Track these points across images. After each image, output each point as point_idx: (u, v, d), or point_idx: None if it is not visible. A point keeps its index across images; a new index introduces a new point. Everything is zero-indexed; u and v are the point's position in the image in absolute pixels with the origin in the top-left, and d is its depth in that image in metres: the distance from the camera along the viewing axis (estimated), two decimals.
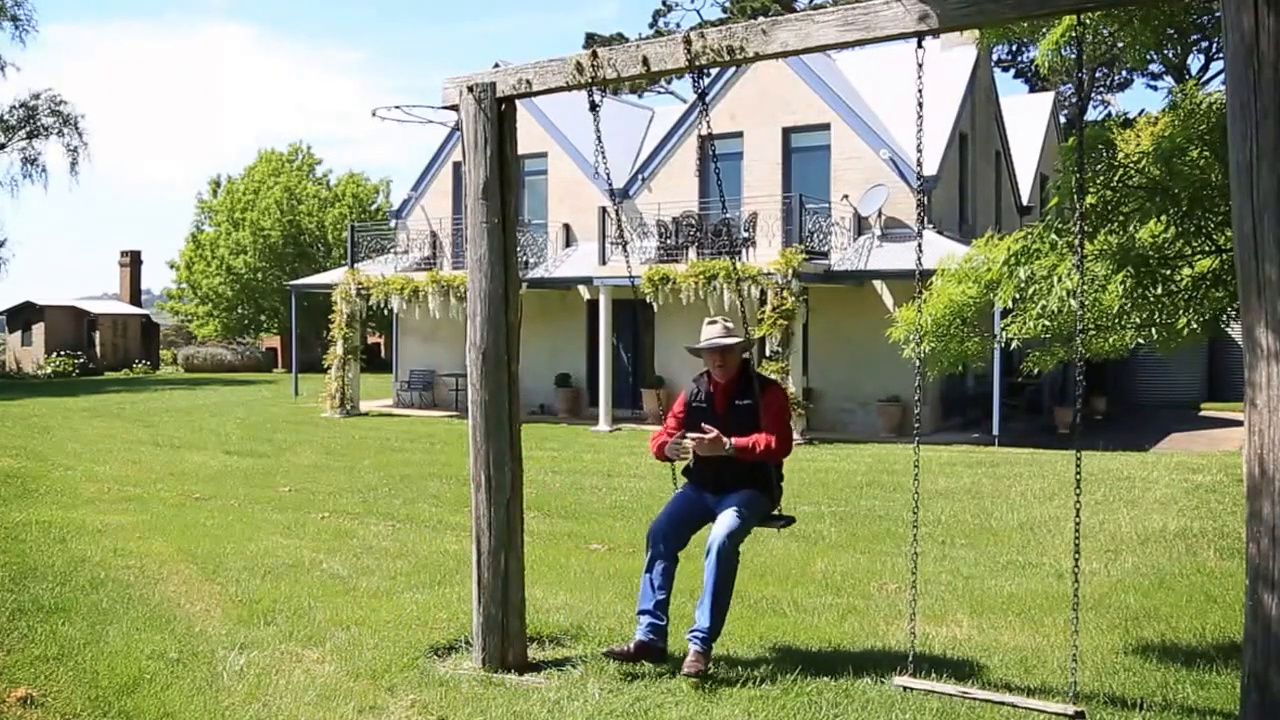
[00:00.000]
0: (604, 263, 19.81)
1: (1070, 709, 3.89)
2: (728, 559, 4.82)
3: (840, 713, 4.45)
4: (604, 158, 5.85)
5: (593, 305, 20.57)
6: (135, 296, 45.04)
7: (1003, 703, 4.24)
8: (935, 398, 18.68)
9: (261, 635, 5.66)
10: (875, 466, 13.81)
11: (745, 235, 18.88)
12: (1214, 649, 5.51)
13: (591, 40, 41.26)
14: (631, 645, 4.93)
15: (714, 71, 19.28)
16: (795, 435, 16.67)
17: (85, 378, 36.28)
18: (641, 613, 4.99)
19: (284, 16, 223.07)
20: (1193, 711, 4.54)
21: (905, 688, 4.41)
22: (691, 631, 4.83)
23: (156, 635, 5.65)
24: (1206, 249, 5.29)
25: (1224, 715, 4.48)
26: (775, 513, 5.20)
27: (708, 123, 5.26)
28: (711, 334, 5.27)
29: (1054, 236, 5.29)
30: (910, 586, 4.70)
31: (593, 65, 4.89)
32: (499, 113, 5.22)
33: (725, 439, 4.96)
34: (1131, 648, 5.60)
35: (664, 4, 42.03)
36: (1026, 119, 25.34)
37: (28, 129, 35.09)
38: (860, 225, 19.22)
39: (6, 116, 34.75)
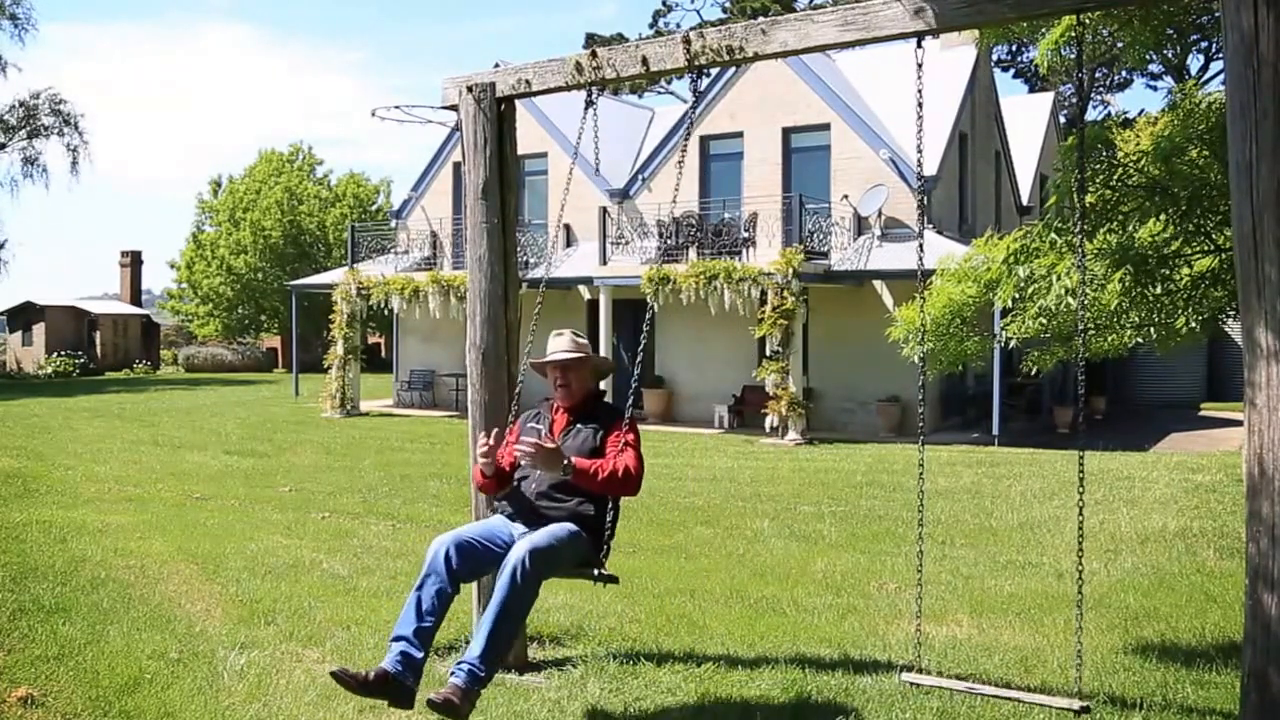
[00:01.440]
0: (604, 263, 19.82)
1: (1076, 704, 3.90)
2: (524, 584, 3.88)
3: (840, 712, 4.45)
4: (598, 159, 5.83)
5: (593, 305, 20.58)
6: (136, 296, 45.04)
7: (1009, 698, 4.24)
8: (935, 397, 18.68)
9: (262, 635, 5.67)
10: (875, 466, 13.81)
11: (745, 235, 18.88)
12: (1214, 648, 5.51)
13: (591, 40, 41.27)
14: (372, 673, 3.84)
15: (714, 72, 19.28)
16: (795, 434, 16.94)
17: (86, 378, 36.28)
18: (396, 639, 3.94)
19: (284, 16, 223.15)
20: (1192, 711, 4.55)
21: (912, 684, 4.41)
22: (459, 662, 3.85)
23: (157, 635, 5.65)
24: (1205, 248, 5.30)
25: (1224, 715, 4.48)
26: (597, 571, 4.23)
27: (689, 127, 5.26)
28: (556, 346, 4.57)
29: (1053, 236, 5.29)
30: (915, 584, 4.70)
31: (592, 65, 4.90)
32: (499, 113, 5.22)
33: (565, 455, 4.14)
34: (1131, 647, 5.60)
35: (664, 4, 42.05)
36: (1026, 119, 25.35)
37: (28, 129, 35.06)
38: (860, 225, 19.23)
39: (7, 116, 34.73)
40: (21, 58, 76.38)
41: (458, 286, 20.46)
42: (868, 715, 4.42)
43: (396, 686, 3.84)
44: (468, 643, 5.28)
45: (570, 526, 4.17)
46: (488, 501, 5.17)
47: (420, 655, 3.93)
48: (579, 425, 4.42)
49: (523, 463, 4.25)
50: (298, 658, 5.30)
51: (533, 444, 4.09)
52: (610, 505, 4.28)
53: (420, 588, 4.05)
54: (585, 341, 4.67)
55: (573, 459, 4.14)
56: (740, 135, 20.40)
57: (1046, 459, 14.40)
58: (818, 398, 18.89)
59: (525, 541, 4.00)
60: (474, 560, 4.14)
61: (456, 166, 22.95)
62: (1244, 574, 3.42)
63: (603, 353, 19.34)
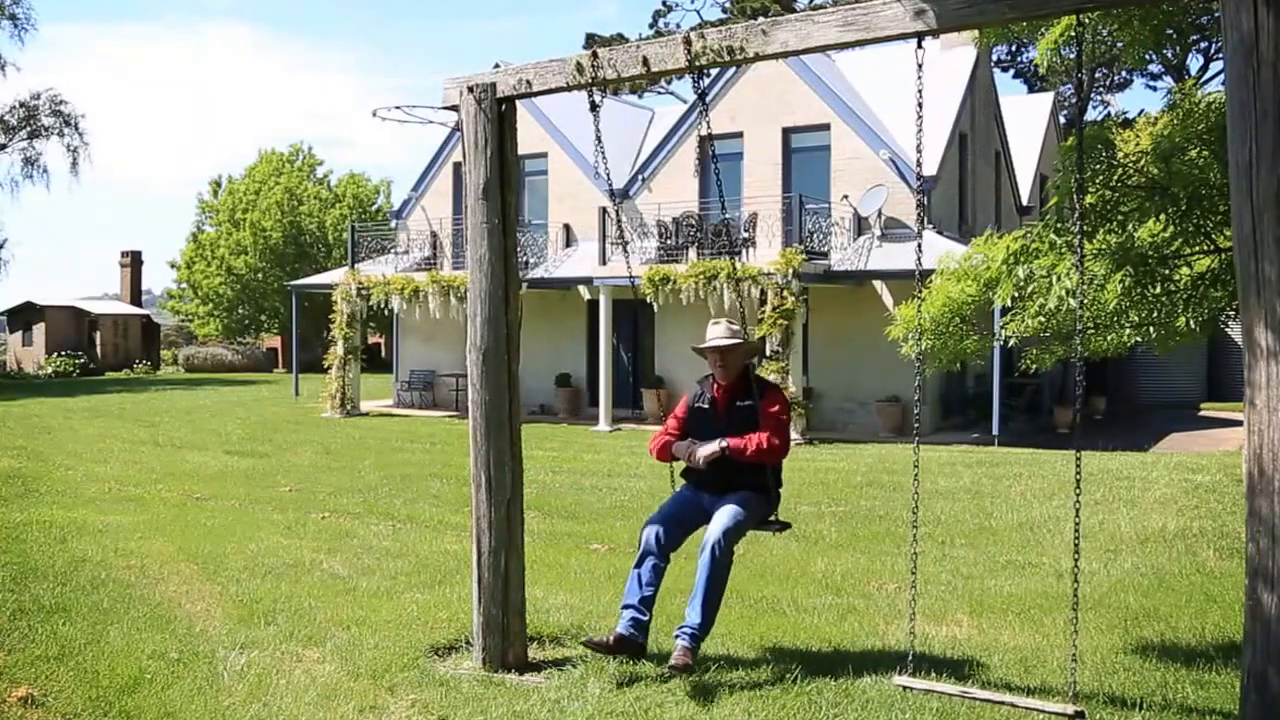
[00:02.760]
0: (604, 263, 19.83)
1: (1070, 709, 3.90)
2: (722, 557, 4.81)
3: (840, 712, 4.45)
4: (604, 159, 5.84)
5: (593, 305, 20.59)
6: (136, 297, 45.04)
7: (1002, 702, 4.24)
8: (935, 398, 18.69)
9: (262, 635, 5.67)
10: (875, 466, 13.81)
11: (745, 235, 18.89)
12: (1213, 648, 5.51)
13: (592, 40, 41.26)
14: (611, 637, 4.88)
15: (714, 72, 19.28)
16: (795, 435, 16.91)
17: (86, 378, 36.28)
18: (626, 606, 4.92)
19: (284, 16, 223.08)
20: (1192, 711, 4.55)
21: (905, 687, 4.41)
22: (681, 628, 4.79)
23: (157, 635, 5.66)
24: (1205, 248, 5.30)
25: (1223, 715, 4.48)
26: (773, 518, 5.17)
27: (708, 123, 5.27)
28: (715, 334, 5.23)
29: (1053, 236, 5.29)
30: (910, 586, 4.70)
31: (593, 66, 4.90)
32: (499, 113, 5.22)
33: (718, 445, 4.99)
34: (1131, 647, 5.61)
35: (664, 4, 42.04)
36: (1026, 119, 25.34)
37: (28, 129, 35.09)
38: (860, 225, 19.23)
39: (7, 117, 34.75)
40: (21, 58, 76.41)
41: (458, 287, 20.46)
42: (867, 715, 4.42)
43: (630, 644, 4.88)
44: (467, 642, 5.31)
45: (748, 495, 4.99)
46: (487, 501, 5.17)
47: (646, 618, 4.90)
48: (737, 402, 5.14)
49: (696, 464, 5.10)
50: (298, 658, 5.30)
51: (696, 457, 5.06)
52: (774, 468, 5.10)
53: (639, 566, 4.97)
54: (739, 328, 5.29)
55: (728, 442, 4.96)
56: (740, 135, 20.40)
57: (1046, 459, 14.40)
58: (818, 398, 18.89)
59: (718, 523, 4.84)
60: (677, 532, 5.07)
61: (457, 167, 22.94)
62: (1244, 574, 3.43)
63: (602, 353, 19.36)
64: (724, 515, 4.87)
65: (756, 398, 5.10)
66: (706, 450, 5.02)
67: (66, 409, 22.60)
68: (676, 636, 4.77)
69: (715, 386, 5.26)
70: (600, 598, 6.48)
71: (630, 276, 6.68)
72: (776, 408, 5.07)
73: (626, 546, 8.26)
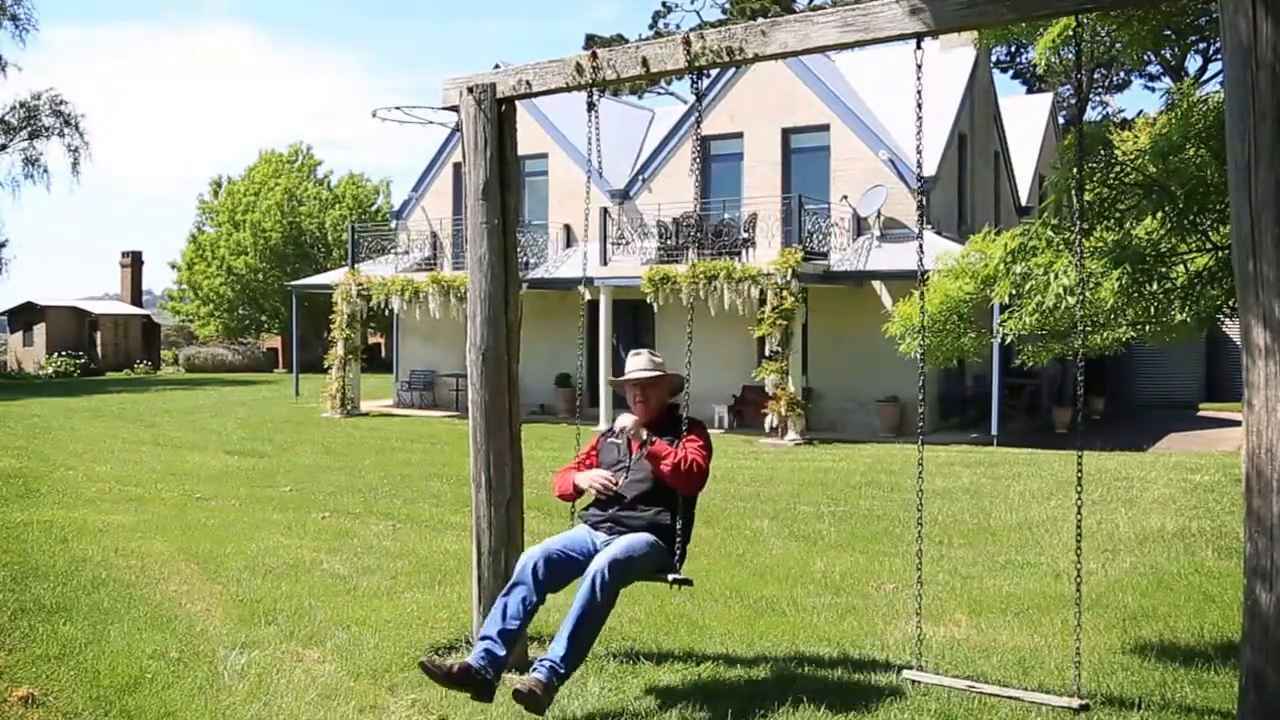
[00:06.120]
0: (605, 263, 19.83)
1: (1075, 702, 3.91)
2: (604, 592, 4.22)
3: (839, 712, 4.46)
4: (599, 160, 5.82)
5: (593, 305, 20.60)
6: (136, 297, 45.05)
7: (1009, 697, 4.25)
8: (934, 397, 18.70)
9: (262, 635, 5.67)
10: (874, 466, 13.82)
11: (745, 236, 18.90)
12: (1212, 648, 5.52)
13: (591, 41, 41.27)
14: (455, 665, 4.23)
15: (714, 73, 19.30)
16: (794, 434, 16.95)
17: (86, 378, 36.28)
18: (483, 637, 4.30)
19: (284, 16, 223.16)
20: (1191, 711, 4.56)
21: (914, 681, 4.42)
22: (542, 659, 4.20)
23: (158, 635, 5.66)
24: (1203, 246, 5.31)
25: (1222, 714, 4.49)
26: (672, 576, 4.54)
27: (698, 122, 5.28)
28: (635, 366, 4.83)
29: (1050, 233, 5.30)
30: (915, 583, 4.70)
31: (592, 66, 4.91)
32: (499, 113, 5.23)
33: (643, 433, 4.59)
34: (1130, 647, 5.61)
35: (664, 5, 42.05)
36: (1025, 120, 25.36)
37: (29, 129, 35.10)
38: (859, 226, 19.24)
39: (8, 117, 34.76)
40: (22, 58, 76.43)
41: (458, 287, 20.47)
42: (867, 715, 4.43)
43: (479, 680, 4.17)
44: (467, 642, 5.31)
45: (648, 537, 4.49)
46: (487, 501, 5.18)
47: (502, 654, 4.25)
48: (656, 438, 4.65)
49: (604, 488, 4.68)
50: (298, 657, 5.31)
51: (627, 424, 4.62)
52: (683, 513, 4.57)
53: (508, 594, 4.38)
54: (661, 360, 4.90)
55: (654, 441, 4.52)
56: (740, 136, 20.42)
57: (1045, 459, 14.41)
58: (817, 398, 18.90)
59: (605, 554, 4.33)
60: (560, 570, 4.47)
61: (457, 167, 22.95)
62: (1242, 574, 3.43)
63: (602, 353, 19.36)
64: (615, 546, 4.38)
65: (678, 436, 4.62)
66: (633, 420, 4.63)
67: (67, 409, 22.61)
68: (534, 668, 4.16)
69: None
70: None
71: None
72: (700, 442, 4.61)
73: None
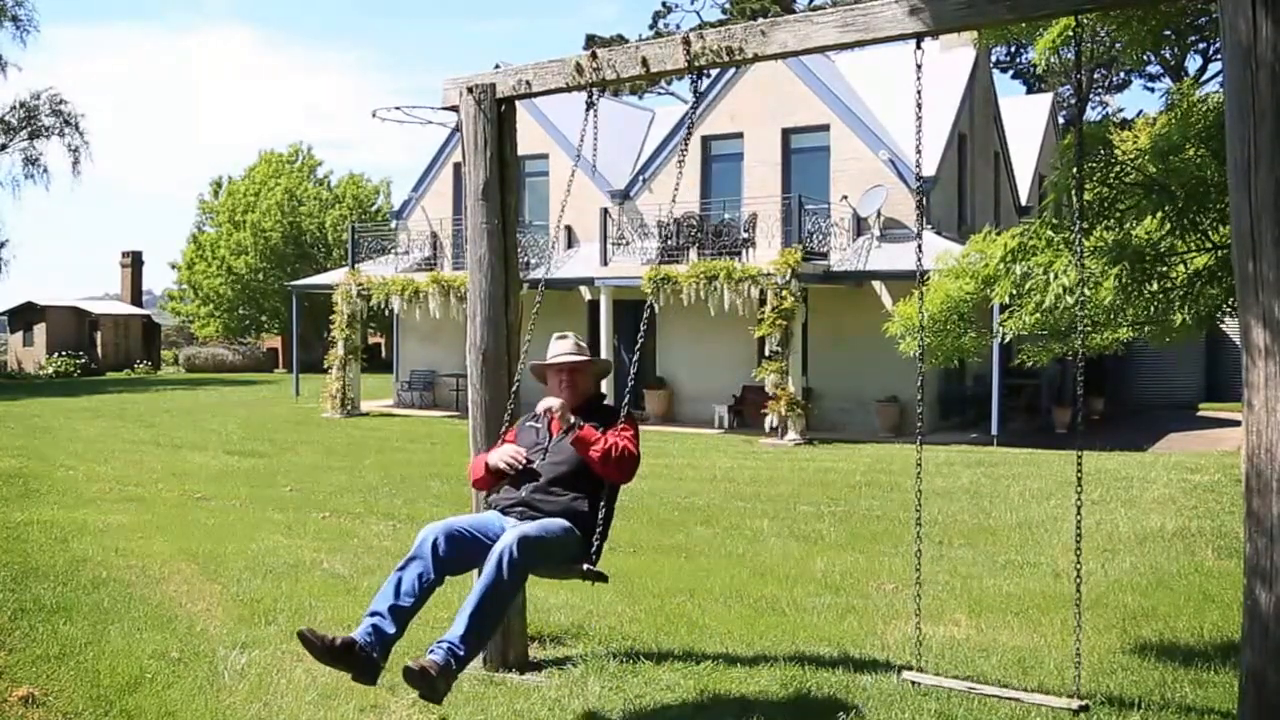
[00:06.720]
0: (605, 263, 19.84)
1: (1075, 702, 3.91)
2: (511, 568, 3.85)
3: (839, 712, 4.46)
4: (595, 159, 5.83)
5: (594, 306, 20.60)
6: (136, 297, 45.05)
7: (1009, 697, 4.25)
8: (934, 397, 18.70)
9: (263, 634, 5.68)
10: (874, 466, 13.82)
11: (745, 236, 18.90)
12: (1212, 648, 5.52)
13: (591, 41, 41.28)
14: (338, 639, 3.78)
15: (714, 73, 19.29)
16: (794, 434, 16.95)
17: (87, 378, 36.28)
18: (371, 613, 3.92)
19: (284, 17, 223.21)
20: (1191, 710, 4.56)
21: (913, 682, 4.42)
22: (439, 640, 3.80)
23: (158, 635, 5.66)
24: (1202, 246, 5.31)
25: (1222, 714, 4.50)
26: (586, 566, 4.20)
27: (691, 121, 5.27)
28: (560, 349, 4.63)
29: (1050, 232, 5.31)
30: (914, 584, 4.70)
31: (592, 66, 4.91)
32: (499, 114, 5.24)
33: (571, 417, 4.28)
34: (1130, 647, 5.62)
35: (664, 5, 42.05)
36: (1025, 120, 25.36)
37: (29, 129, 35.10)
38: (859, 226, 19.24)
39: (8, 117, 34.76)
40: (23, 59, 76.40)
41: (458, 287, 20.47)
42: (866, 715, 4.44)
43: (362, 658, 3.77)
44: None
45: (563, 522, 4.17)
46: (487, 501, 5.18)
47: (391, 631, 3.87)
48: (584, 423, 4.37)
49: (512, 462, 4.34)
50: (298, 657, 5.30)
51: (554, 404, 4.29)
52: (603, 503, 4.26)
53: (403, 569, 3.98)
54: (585, 345, 4.70)
55: (582, 425, 4.21)
56: (740, 136, 20.42)
57: (1045, 459, 14.41)
58: (817, 398, 18.90)
59: (515, 530, 3.99)
60: (463, 550, 4.08)
61: (457, 167, 22.95)
62: (1242, 573, 3.44)
63: (604, 354, 19.36)
64: (525, 525, 4.07)
65: (604, 425, 4.35)
66: (560, 402, 4.34)
67: (67, 409, 22.61)
68: (430, 650, 3.76)
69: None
70: (600, 597, 6.48)
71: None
72: (630, 432, 4.34)
73: (626, 546, 8.28)
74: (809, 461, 14.46)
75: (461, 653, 3.75)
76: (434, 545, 3.99)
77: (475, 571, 4.20)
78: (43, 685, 4.84)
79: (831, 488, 11.86)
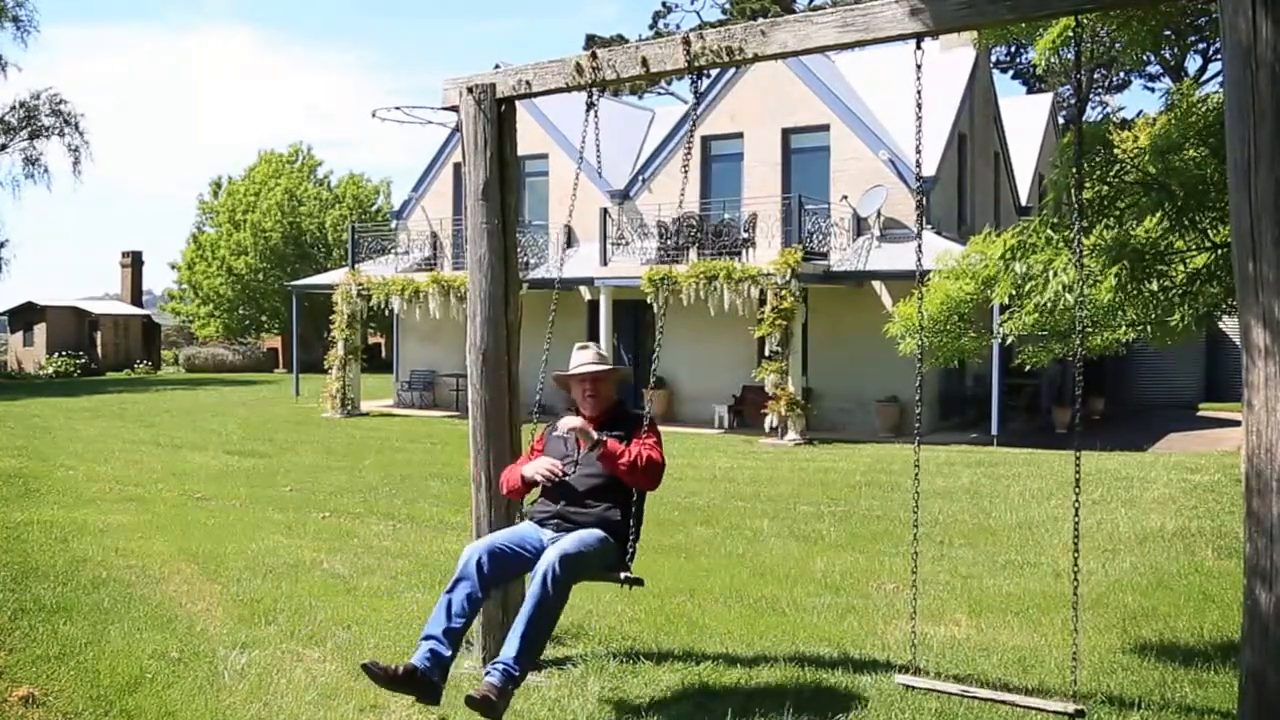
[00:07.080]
0: (605, 263, 19.83)
1: (1071, 707, 3.91)
2: (555, 588, 4.03)
3: (839, 712, 4.46)
4: (599, 160, 5.82)
5: (593, 305, 20.60)
6: (136, 297, 45.05)
7: (1003, 701, 4.25)
8: (934, 397, 18.70)
9: (263, 635, 5.68)
10: (874, 466, 13.82)
11: (745, 236, 18.90)
12: (1212, 648, 5.52)
13: (591, 41, 41.28)
14: (400, 667, 3.97)
15: (714, 73, 19.29)
16: (794, 434, 16.95)
17: (87, 378, 36.28)
18: (426, 637, 4.10)
19: (284, 17, 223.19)
20: (1191, 710, 4.56)
21: (907, 686, 4.42)
22: (495, 662, 3.99)
23: (158, 635, 5.66)
24: (1202, 245, 5.31)
25: (1222, 714, 4.50)
26: (624, 575, 4.37)
27: (691, 122, 5.27)
28: (583, 359, 4.74)
29: (1049, 232, 5.30)
30: (911, 585, 4.70)
31: (592, 66, 4.91)
32: (499, 114, 5.23)
33: (594, 434, 4.40)
34: (1130, 647, 5.62)
35: (664, 5, 42.05)
36: (1025, 120, 25.37)
37: (29, 129, 35.10)
38: (859, 226, 19.24)
39: (8, 117, 34.76)
40: (23, 59, 76.39)
41: (458, 287, 20.48)
42: (866, 714, 4.43)
43: (424, 682, 3.98)
44: (468, 642, 5.30)
45: (598, 532, 4.34)
46: (487, 501, 5.19)
47: (448, 654, 4.08)
48: (608, 436, 4.50)
49: (549, 475, 4.48)
50: (298, 657, 5.31)
51: (575, 424, 4.42)
52: (634, 510, 4.42)
53: (451, 591, 4.18)
54: (607, 355, 4.81)
55: (607, 440, 4.34)
56: (740, 136, 20.42)
57: (1045, 459, 14.41)
58: (817, 398, 18.90)
59: (555, 548, 4.15)
60: (505, 566, 4.30)
61: (457, 167, 22.96)
62: (1242, 573, 3.44)
63: (604, 353, 19.35)
64: (565, 540, 4.22)
65: (628, 431, 4.51)
66: (580, 422, 4.46)
67: (67, 409, 22.61)
68: (487, 672, 3.97)
69: (580, 418, 4.62)
70: (600, 597, 6.48)
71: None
72: (654, 437, 4.49)
73: None
74: (809, 461, 14.46)
75: (516, 672, 3.96)
76: (479, 564, 4.19)
77: (481, 564, 4.28)
78: (43, 685, 4.84)
79: (831, 488, 11.86)
